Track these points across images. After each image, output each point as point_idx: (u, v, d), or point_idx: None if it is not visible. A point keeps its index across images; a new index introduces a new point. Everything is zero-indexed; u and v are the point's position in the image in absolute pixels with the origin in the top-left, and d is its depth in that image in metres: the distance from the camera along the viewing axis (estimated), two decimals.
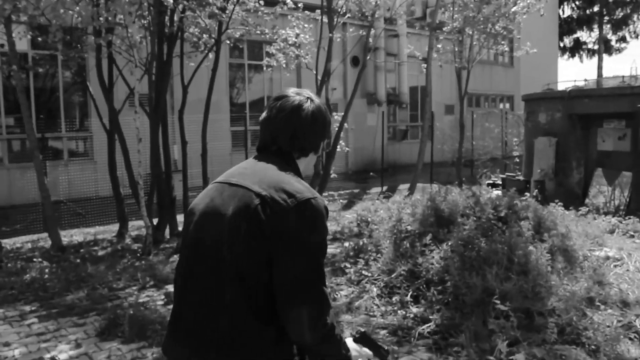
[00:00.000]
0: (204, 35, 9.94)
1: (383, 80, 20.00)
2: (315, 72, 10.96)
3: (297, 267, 1.72)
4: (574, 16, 33.85)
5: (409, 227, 5.78)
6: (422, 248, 5.46)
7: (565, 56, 34.82)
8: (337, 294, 5.50)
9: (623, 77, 17.49)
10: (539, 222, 5.83)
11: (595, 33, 33.38)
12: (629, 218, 9.19)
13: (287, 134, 1.95)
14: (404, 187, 16.53)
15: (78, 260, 7.65)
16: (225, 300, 1.75)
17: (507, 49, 13.74)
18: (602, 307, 4.53)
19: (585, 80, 30.17)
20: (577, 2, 33.59)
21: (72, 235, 10.02)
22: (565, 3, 33.41)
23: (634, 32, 32.92)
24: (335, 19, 10.47)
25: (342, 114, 11.22)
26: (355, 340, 1.96)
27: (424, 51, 22.23)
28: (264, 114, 2.01)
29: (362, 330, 2.02)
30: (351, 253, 6.29)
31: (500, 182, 14.31)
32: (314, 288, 1.73)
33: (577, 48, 34.68)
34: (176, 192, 9.96)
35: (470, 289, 4.50)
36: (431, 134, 17.86)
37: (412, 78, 21.66)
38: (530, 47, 13.37)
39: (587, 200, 11.35)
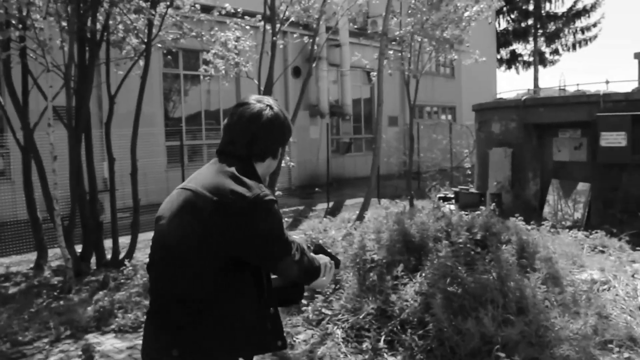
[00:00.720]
0: (133, 39, 8.91)
1: (326, 91, 19.30)
2: (257, 82, 10.09)
3: (266, 247, 2.04)
4: (510, 29, 34.28)
5: (375, 256, 4.96)
6: (393, 281, 4.65)
7: (502, 68, 35.20)
8: (294, 339, 4.61)
9: (559, 87, 17.40)
10: (522, 246, 5.13)
11: (531, 45, 33.89)
12: (595, 232, 8.72)
13: (245, 139, 2.10)
14: (350, 202, 15.81)
15: None
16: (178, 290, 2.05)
17: (455, 57, 13.22)
18: (613, 348, 3.84)
19: (534, 90, 30.50)
20: (512, 15, 34.06)
21: None
22: (501, 16, 33.81)
23: (566, 45, 33.62)
24: (278, 25, 9.66)
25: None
26: (314, 252, 2.33)
27: (370, 60, 21.81)
28: (226, 120, 2.18)
29: (316, 242, 2.56)
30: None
31: (453, 196, 13.77)
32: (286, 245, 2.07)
33: (513, 60, 35.12)
34: (105, 214, 8.87)
35: (463, 336, 3.71)
36: (377, 147, 17.27)
37: (355, 89, 21.10)
38: (479, 56, 12.96)
39: (544, 213, 10.89)
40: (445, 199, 13.68)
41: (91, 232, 7.83)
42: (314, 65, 10.17)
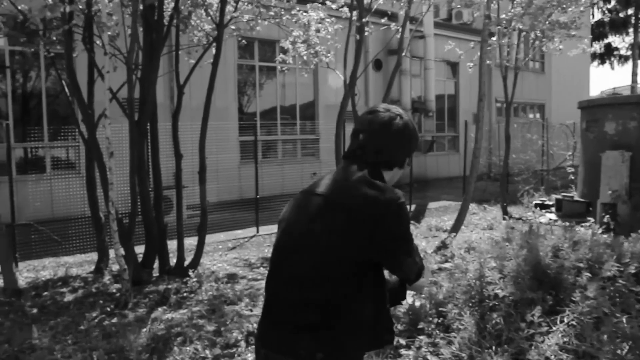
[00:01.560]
0: (206, 25, 8.10)
1: (408, 86, 18.08)
2: (341, 73, 9.09)
3: (399, 249, 2.06)
4: (605, 20, 31.73)
5: (500, 292, 3.84)
6: (528, 329, 3.52)
7: (595, 62, 32.71)
8: None
9: None
10: None
11: (629, 37, 31.29)
12: None
13: (375, 147, 2.12)
14: (434, 205, 14.58)
15: (34, 310, 5.82)
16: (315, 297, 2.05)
17: (561, 47, 11.72)
18: None
19: (632, 85, 28.13)
20: (609, 5, 31.49)
21: (43, 267, 8.17)
22: (595, 7, 31.36)
23: None
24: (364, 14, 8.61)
25: None
26: None
27: (455, 53, 20.39)
28: (355, 126, 2.20)
29: None
30: (403, 319, 4.33)
31: (551, 203, 12.29)
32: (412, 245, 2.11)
33: (608, 54, 32.60)
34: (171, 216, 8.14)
35: None
36: (464, 146, 15.93)
37: (439, 84, 19.75)
38: (565, 50, 11.46)
39: None
40: (543, 206, 12.23)
41: (154, 236, 7.04)
42: (404, 54, 9.04)
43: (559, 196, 11.42)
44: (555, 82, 25.41)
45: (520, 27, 11.05)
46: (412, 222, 11.80)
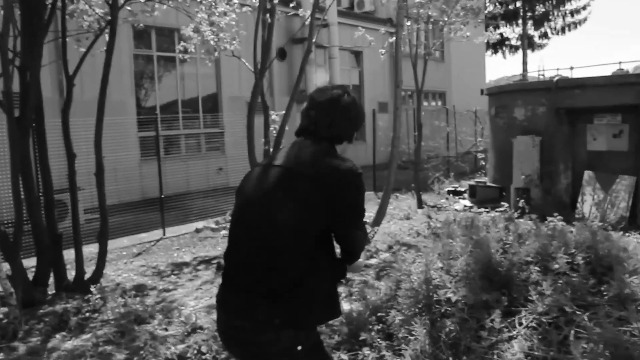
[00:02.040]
0: (97, 10, 7.24)
1: (313, 76, 17.69)
2: (249, 63, 8.49)
3: (353, 218, 2.17)
4: (498, 12, 32.94)
5: (452, 295, 3.45)
6: (489, 336, 3.16)
7: (489, 52, 33.91)
8: None
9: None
10: None
11: (519, 29, 32.63)
12: None
13: (326, 122, 2.23)
14: None
15: None
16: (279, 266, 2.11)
17: (468, 34, 11.71)
18: None
19: (522, 74, 29.33)
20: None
21: None
22: None
23: (555, 28, 32.46)
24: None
25: (280, 113, 8.73)
26: None
27: (355, 43, 20.23)
28: (305, 104, 2.31)
29: None
30: (345, 330, 3.87)
31: (464, 189, 12.34)
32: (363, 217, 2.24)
33: (500, 44, 33.87)
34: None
35: None
36: (373, 135, 15.79)
37: (344, 73, 19.52)
38: (471, 38, 11.52)
39: (577, 211, 9.52)
40: (455, 192, 12.27)
41: (47, 247, 6.18)
42: (314, 40, 8.57)
43: (472, 182, 11.46)
44: (454, 70, 25.99)
45: (430, 13, 10.91)
46: None
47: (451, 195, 12.07)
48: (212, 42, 8.36)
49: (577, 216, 9.21)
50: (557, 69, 21.55)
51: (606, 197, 9.32)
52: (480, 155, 12.04)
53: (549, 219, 8.72)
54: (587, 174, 9.57)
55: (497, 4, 32.62)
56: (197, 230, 10.08)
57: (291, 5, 9.67)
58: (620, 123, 9.27)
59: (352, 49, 19.83)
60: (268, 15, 7.91)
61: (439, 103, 25.68)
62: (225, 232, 9.90)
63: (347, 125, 2.28)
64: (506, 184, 10.40)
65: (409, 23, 10.76)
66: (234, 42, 8.72)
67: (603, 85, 8.98)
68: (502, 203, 10.25)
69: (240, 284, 2.16)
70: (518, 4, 31.80)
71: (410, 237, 8.34)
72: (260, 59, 7.67)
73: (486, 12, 31.71)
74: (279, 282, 2.08)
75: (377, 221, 8.15)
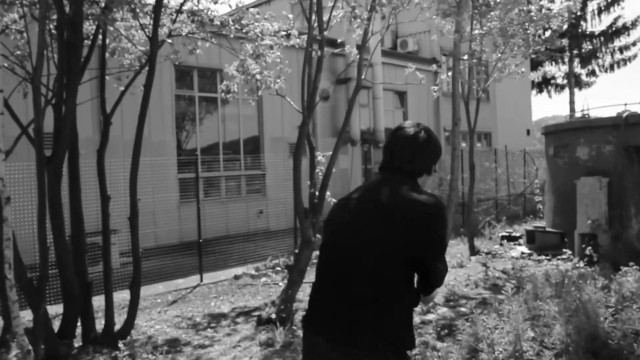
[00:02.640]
0: (137, 47, 6.94)
1: (357, 116, 17.24)
2: (293, 102, 8.06)
3: (438, 249, 2.33)
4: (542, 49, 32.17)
5: None
6: None
7: (534, 91, 33.05)
8: None
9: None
10: None
11: (565, 67, 31.81)
12: None
13: (406, 158, 2.38)
14: None
15: None
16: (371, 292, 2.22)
17: (523, 70, 11.12)
18: None
19: (570, 115, 28.39)
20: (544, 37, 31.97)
21: None
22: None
23: (603, 65, 31.48)
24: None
25: (327, 154, 8.20)
26: None
27: (402, 81, 19.80)
28: (386, 141, 2.49)
29: None
30: None
31: (519, 235, 11.53)
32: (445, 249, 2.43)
33: (545, 83, 33.03)
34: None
35: None
36: None
37: (387, 113, 19.05)
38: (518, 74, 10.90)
39: None
40: (510, 238, 11.46)
41: (75, 296, 5.72)
42: (363, 76, 8.08)
43: (529, 227, 10.65)
44: (500, 110, 25.27)
45: (484, 48, 10.38)
46: None
47: (505, 241, 11.28)
48: (257, 77, 7.96)
49: None
50: (603, 106, 20.60)
51: None
52: (537, 199, 11.26)
53: (625, 269, 7.91)
54: None
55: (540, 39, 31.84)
56: (236, 277, 9.54)
57: (337, 43, 9.26)
58: None
59: (396, 88, 19.44)
60: (317, 48, 7.48)
61: (484, 144, 24.90)
62: (264, 279, 9.35)
63: (426, 159, 2.41)
64: (568, 229, 9.60)
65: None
66: (279, 80, 8.33)
67: None
68: (565, 250, 9.46)
69: (342, 311, 2.23)
70: (564, 41, 31.00)
71: (468, 289, 7.63)
72: (307, 97, 7.19)
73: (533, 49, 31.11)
74: (378, 308, 2.18)
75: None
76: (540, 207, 11.40)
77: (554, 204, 10.41)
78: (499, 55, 10.67)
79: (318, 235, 7.16)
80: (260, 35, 7.14)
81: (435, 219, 2.23)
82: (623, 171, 8.76)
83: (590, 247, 8.53)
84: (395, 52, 20.10)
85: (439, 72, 22.09)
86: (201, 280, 9.41)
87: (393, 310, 2.19)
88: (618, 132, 8.71)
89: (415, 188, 2.30)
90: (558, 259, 9.20)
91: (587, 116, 12.89)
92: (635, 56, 30.98)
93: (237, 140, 14.59)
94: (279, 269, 10.00)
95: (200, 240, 9.84)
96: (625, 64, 31.06)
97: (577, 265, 8.76)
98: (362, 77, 7.94)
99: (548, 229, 10.25)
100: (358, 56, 8.40)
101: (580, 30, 30.37)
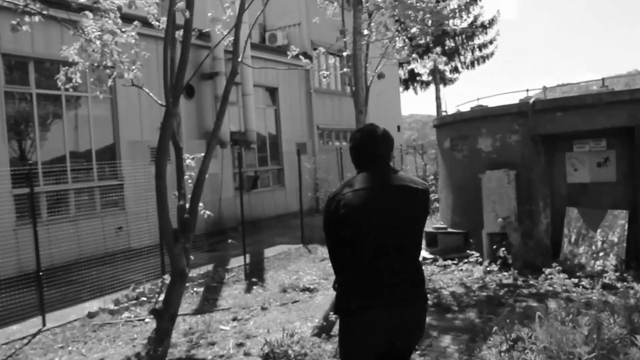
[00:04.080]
0: None
1: (226, 115, 15.59)
2: (152, 93, 6.30)
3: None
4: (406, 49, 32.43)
5: None
6: None
7: (400, 88, 33.24)
8: None
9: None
10: None
11: (430, 64, 32.21)
12: None
13: (389, 150, 3.00)
14: (270, 252, 12.14)
15: None
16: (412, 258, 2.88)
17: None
18: None
19: (443, 110, 28.58)
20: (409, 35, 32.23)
21: None
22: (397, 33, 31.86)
23: (465, 62, 32.34)
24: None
25: (199, 156, 6.56)
26: None
27: (271, 79, 18.42)
28: (365, 141, 2.98)
29: None
30: None
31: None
32: None
33: (412, 79, 33.36)
34: None
35: None
36: (299, 179, 13.85)
37: (258, 112, 17.60)
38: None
39: (562, 254, 7.95)
40: None
41: None
42: (237, 67, 6.55)
43: (429, 229, 9.67)
44: (372, 106, 24.74)
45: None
46: (256, 281, 9.29)
47: None
48: (105, 62, 6.15)
49: (560, 262, 7.65)
50: (457, 105, 20.61)
51: (595, 236, 7.81)
52: (434, 196, 10.39)
53: (548, 270, 7.07)
54: (570, 211, 8.07)
55: (405, 39, 32.06)
56: (90, 315, 7.60)
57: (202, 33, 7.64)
58: (605, 149, 7.87)
59: (267, 84, 18.05)
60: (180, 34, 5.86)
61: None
62: (127, 315, 7.52)
63: (392, 150, 3.05)
64: (472, 229, 8.72)
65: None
66: (134, 67, 6.54)
67: (591, 105, 7.55)
68: (470, 252, 8.55)
69: (393, 282, 2.74)
70: (428, 39, 31.40)
71: None
72: (171, 79, 5.54)
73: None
74: (417, 273, 2.87)
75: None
76: (437, 205, 10.53)
77: (452, 201, 9.52)
78: (395, 33, 9.60)
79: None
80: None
81: (429, 196, 2.97)
82: (530, 162, 8.01)
83: (503, 248, 7.67)
84: (264, 46, 18.72)
85: (311, 67, 21.13)
86: (44, 324, 7.33)
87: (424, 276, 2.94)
88: (525, 120, 7.93)
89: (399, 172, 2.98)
90: (465, 263, 8.28)
91: (445, 112, 12.30)
92: (492, 54, 32.17)
93: (88, 146, 12.40)
94: (144, 299, 8.20)
95: (40, 273, 7.72)
96: (484, 61, 32.23)
97: (489, 269, 7.90)
98: (240, 57, 6.38)
99: (450, 230, 9.33)
100: (233, 37, 6.81)
101: (443, 28, 30.83)
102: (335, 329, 5.58)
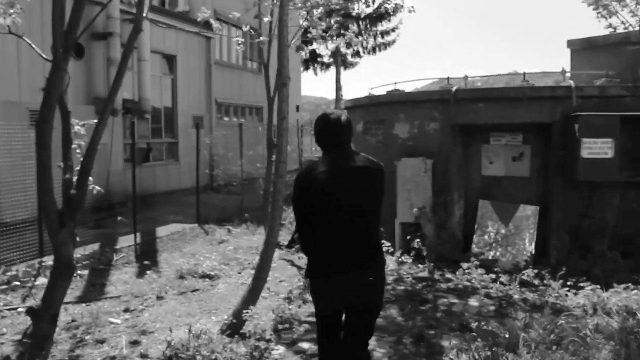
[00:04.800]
0: None
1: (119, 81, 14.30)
2: (35, 44, 5.27)
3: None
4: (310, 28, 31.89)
5: None
6: None
7: (300, 68, 32.71)
8: None
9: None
10: None
11: (332, 45, 31.90)
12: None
13: (349, 135, 3.35)
14: (163, 231, 11.23)
15: None
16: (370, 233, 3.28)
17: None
18: None
19: (340, 94, 28.32)
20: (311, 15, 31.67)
21: None
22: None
23: (366, 47, 32.29)
24: None
25: (91, 122, 5.63)
26: None
27: (169, 46, 17.18)
28: (323, 125, 3.34)
29: None
30: None
31: None
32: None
33: (312, 60, 32.90)
34: None
35: None
36: (197, 154, 12.95)
37: (154, 80, 16.38)
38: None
39: (473, 248, 7.81)
40: None
41: None
42: (141, 23, 5.71)
43: None
44: (274, 83, 24.04)
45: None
46: (148, 264, 8.45)
47: None
48: None
49: (470, 255, 7.50)
50: (372, 88, 20.36)
51: (506, 231, 7.72)
52: None
53: (466, 265, 6.84)
54: (483, 204, 7.93)
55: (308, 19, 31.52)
56: None
57: None
58: (521, 144, 7.76)
59: (165, 51, 16.85)
60: None
61: (255, 119, 23.51)
62: None
63: (351, 134, 3.41)
64: (384, 217, 8.36)
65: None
66: (12, 10, 5.47)
67: (513, 98, 7.36)
68: (384, 242, 8.20)
69: (357, 252, 3.19)
70: (332, 21, 31.02)
71: (295, 306, 5.81)
72: (58, 27, 4.59)
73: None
74: (377, 244, 3.33)
75: (251, 299, 5.26)
76: None
77: None
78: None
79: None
80: None
81: (384, 175, 3.38)
82: (448, 152, 7.75)
83: (417, 240, 7.37)
84: (165, 10, 17.41)
85: (212, 37, 20.04)
86: None
87: (380, 249, 3.40)
88: (445, 108, 7.64)
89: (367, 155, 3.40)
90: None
91: (342, 97, 11.86)
92: (393, 42, 32.36)
93: None
94: (17, 283, 7.13)
95: None
96: (386, 48, 32.33)
97: (402, 259, 7.59)
98: (145, 13, 5.53)
99: None
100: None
101: (349, 11, 30.58)
102: (246, 328, 4.97)
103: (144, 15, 5.69)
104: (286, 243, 9.39)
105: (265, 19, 8.97)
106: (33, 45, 5.14)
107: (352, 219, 3.12)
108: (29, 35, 5.60)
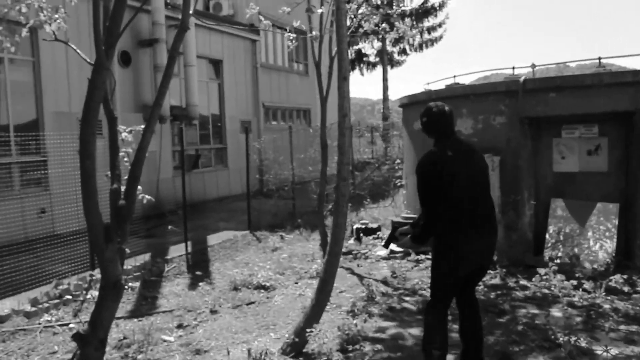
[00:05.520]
0: None
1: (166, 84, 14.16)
2: (80, 51, 4.99)
3: None
4: (354, 28, 31.45)
5: None
6: None
7: None
8: None
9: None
10: None
11: (378, 44, 31.34)
12: None
13: (454, 126, 4.03)
14: (214, 239, 10.93)
15: None
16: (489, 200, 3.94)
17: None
18: None
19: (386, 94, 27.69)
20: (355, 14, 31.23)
21: None
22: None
23: (413, 45, 31.64)
24: None
25: (138, 128, 5.32)
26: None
27: (215, 51, 17.00)
28: (446, 116, 3.96)
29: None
30: None
31: (379, 227, 9.61)
32: None
33: (358, 60, 32.42)
34: None
35: None
36: (247, 159, 12.65)
37: (201, 85, 16.22)
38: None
39: (545, 252, 7.18)
40: (366, 231, 9.49)
41: None
42: (187, 23, 5.35)
43: (396, 218, 8.72)
44: (325, 82, 23.64)
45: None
46: (200, 274, 8.15)
47: (361, 234, 9.30)
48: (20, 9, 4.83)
49: (542, 261, 6.87)
50: (428, 83, 19.91)
51: (582, 232, 7.07)
52: (399, 182, 9.47)
53: (543, 271, 6.25)
54: (555, 203, 7.30)
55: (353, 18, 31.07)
56: (1, 320, 6.28)
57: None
58: (597, 136, 7.11)
59: (211, 56, 16.67)
60: None
61: (303, 121, 23.18)
62: (47, 318, 6.22)
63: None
64: None
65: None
66: (57, 15, 5.21)
67: (589, 86, 6.73)
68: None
69: (485, 213, 3.85)
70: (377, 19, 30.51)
71: (360, 321, 5.35)
72: (104, 24, 4.28)
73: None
74: (494, 213, 3.92)
75: (317, 314, 4.81)
76: (405, 192, 9.60)
77: None
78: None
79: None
80: None
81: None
82: (517, 148, 7.16)
83: None
84: (210, 14, 17.26)
85: (257, 40, 19.79)
86: None
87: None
88: (512, 101, 7.06)
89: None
90: None
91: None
92: (440, 37, 31.60)
93: (5, 116, 10.81)
94: (68, 297, 6.91)
95: None
96: (433, 44, 31.62)
97: None
98: (191, 11, 5.18)
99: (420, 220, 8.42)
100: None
101: (394, 8, 30.01)
102: (309, 347, 4.55)
103: (190, 12, 5.34)
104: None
105: (319, 11, 8.57)
106: (78, 51, 4.85)
107: (480, 191, 3.81)
108: (79, 44, 5.34)
